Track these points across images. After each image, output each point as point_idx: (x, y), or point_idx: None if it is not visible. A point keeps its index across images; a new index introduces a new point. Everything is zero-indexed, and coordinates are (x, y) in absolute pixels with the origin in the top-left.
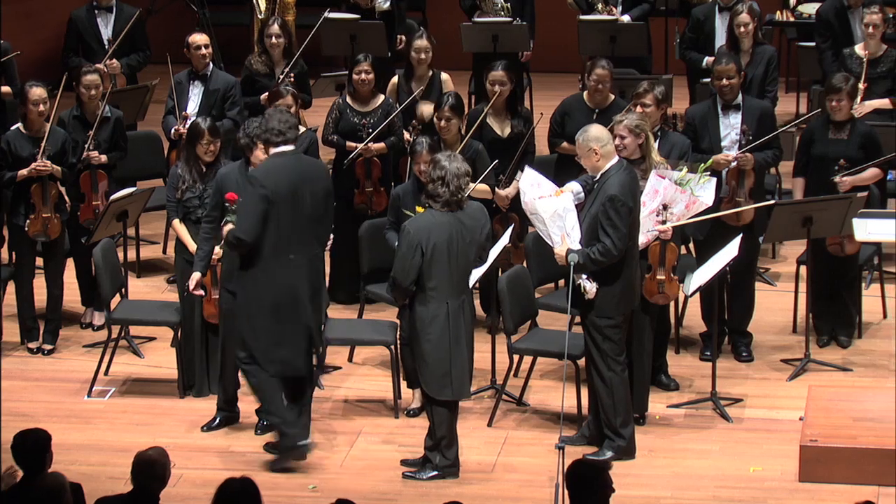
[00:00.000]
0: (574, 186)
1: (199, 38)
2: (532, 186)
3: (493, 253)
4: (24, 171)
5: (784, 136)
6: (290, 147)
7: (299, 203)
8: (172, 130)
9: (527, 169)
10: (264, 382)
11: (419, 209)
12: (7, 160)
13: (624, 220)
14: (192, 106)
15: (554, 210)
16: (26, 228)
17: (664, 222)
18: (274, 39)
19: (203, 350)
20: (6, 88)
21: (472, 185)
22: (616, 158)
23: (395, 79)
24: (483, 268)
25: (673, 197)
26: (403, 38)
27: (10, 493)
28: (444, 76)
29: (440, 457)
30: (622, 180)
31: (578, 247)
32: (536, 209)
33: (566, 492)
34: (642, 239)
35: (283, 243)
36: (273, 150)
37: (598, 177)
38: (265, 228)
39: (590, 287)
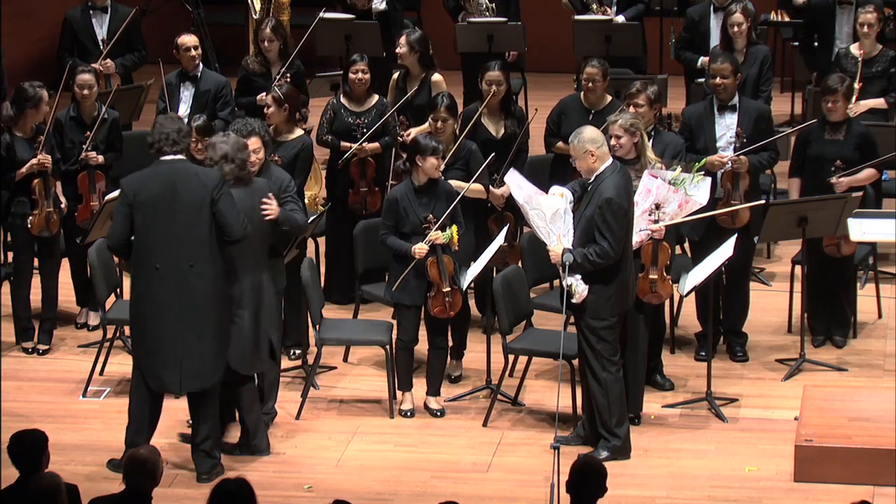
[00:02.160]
0: (566, 193)
1: (188, 40)
2: (518, 188)
3: (488, 253)
4: (23, 170)
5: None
6: (178, 157)
7: (168, 213)
8: None
9: (511, 171)
10: (136, 392)
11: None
12: (9, 162)
13: (620, 223)
14: (184, 107)
15: (556, 209)
16: (29, 226)
17: (657, 222)
18: (267, 43)
19: None
20: None
21: (465, 185)
22: (610, 160)
23: (395, 75)
24: (478, 267)
25: (665, 196)
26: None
27: (5, 494)
28: (436, 77)
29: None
30: (617, 182)
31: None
32: (540, 205)
33: (567, 493)
34: (635, 238)
35: (148, 252)
36: (161, 158)
37: (592, 179)
38: (137, 236)
39: (581, 289)
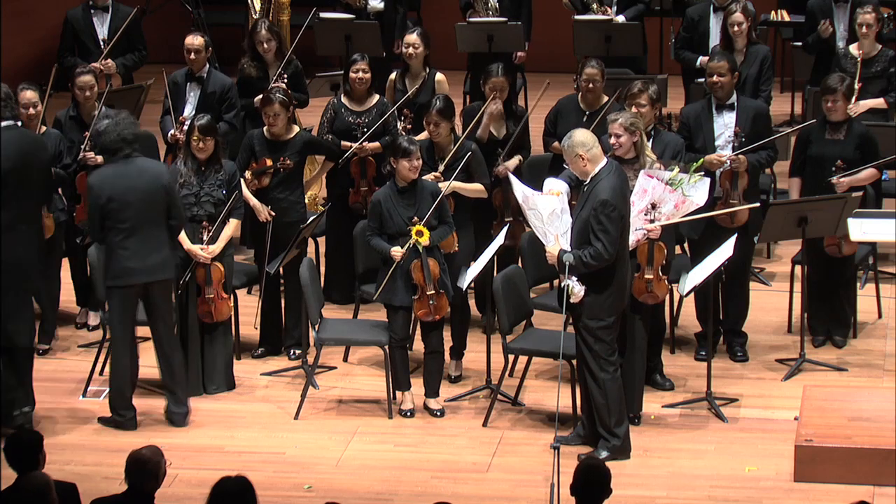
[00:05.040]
0: (562, 187)
1: (195, 42)
2: (517, 187)
3: (488, 253)
4: None
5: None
6: (9, 122)
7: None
8: (169, 135)
9: (514, 181)
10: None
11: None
12: None
13: (615, 225)
14: (189, 108)
15: (553, 209)
16: None
17: (653, 221)
18: (265, 45)
19: (198, 349)
20: None
21: (458, 185)
22: (605, 161)
23: (392, 76)
24: (478, 267)
25: (661, 196)
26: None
27: (3, 495)
28: (439, 77)
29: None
30: (613, 184)
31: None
32: (536, 205)
33: (572, 496)
34: (631, 238)
35: None
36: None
37: (588, 180)
38: None
39: (578, 289)
